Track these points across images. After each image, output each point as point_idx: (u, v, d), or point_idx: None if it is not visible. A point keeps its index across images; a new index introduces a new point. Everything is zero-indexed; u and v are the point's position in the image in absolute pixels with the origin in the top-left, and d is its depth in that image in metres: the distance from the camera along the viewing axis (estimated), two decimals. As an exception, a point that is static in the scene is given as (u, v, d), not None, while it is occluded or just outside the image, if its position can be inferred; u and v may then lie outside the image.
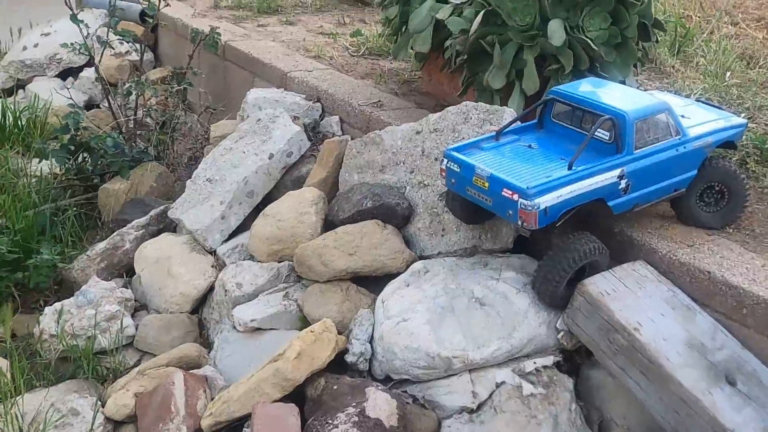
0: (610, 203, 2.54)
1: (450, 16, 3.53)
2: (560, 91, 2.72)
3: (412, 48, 3.91)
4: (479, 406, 2.58)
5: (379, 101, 4.04)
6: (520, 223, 2.40)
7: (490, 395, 2.58)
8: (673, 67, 4.68)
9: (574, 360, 2.72)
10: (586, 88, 2.74)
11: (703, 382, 2.27)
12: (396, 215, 3.16)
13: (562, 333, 2.63)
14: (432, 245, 3.09)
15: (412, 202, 3.21)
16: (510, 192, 2.40)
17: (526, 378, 2.59)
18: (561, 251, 2.53)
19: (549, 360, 2.63)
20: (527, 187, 2.36)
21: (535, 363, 2.61)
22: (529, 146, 2.68)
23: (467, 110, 3.20)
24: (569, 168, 2.44)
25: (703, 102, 3.13)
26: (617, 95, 2.66)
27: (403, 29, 4.00)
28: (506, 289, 2.69)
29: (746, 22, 5.99)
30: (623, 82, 3.44)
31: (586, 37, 3.21)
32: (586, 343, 2.56)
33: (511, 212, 2.42)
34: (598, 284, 2.52)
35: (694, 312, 2.49)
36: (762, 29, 5.88)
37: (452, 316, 2.65)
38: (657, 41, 3.67)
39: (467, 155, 2.63)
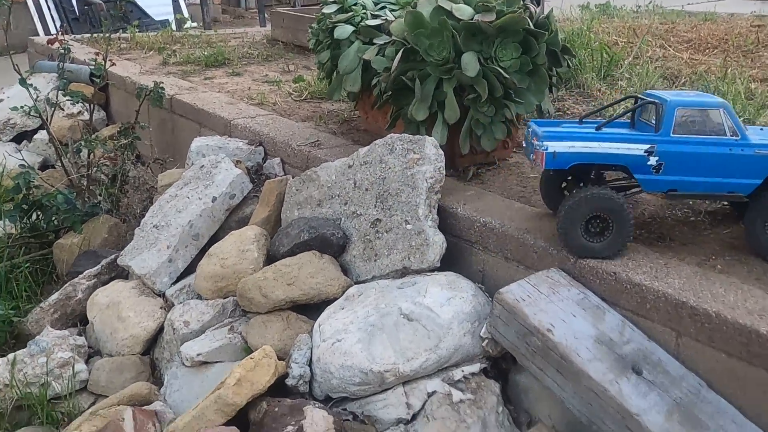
0: (637, 176, 2.71)
1: (375, 56, 3.76)
2: (645, 92, 2.94)
3: (344, 89, 4.13)
4: (414, 417, 2.73)
5: (318, 141, 4.24)
6: (533, 160, 2.76)
7: (423, 405, 2.72)
8: (599, 90, 4.94)
9: (501, 366, 2.88)
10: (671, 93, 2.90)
11: (611, 374, 2.44)
12: (332, 245, 3.33)
13: (486, 341, 2.79)
14: (366, 270, 3.26)
15: (347, 231, 3.39)
16: (534, 138, 2.75)
17: (455, 386, 2.74)
18: (571, 203, 2.71)
19: (476, 367, 2.79)
20: (543, 132, 2.71)
21: (462, 371, 2.76)
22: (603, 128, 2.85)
23: (392, 141, 3.41)
24: (596, 130, 2.73)
25: None
26: (680, 92, 2.87)
27: (335, 72, 4.22)
28: (432, 304, 2.85)
29: (675, 45, 6.33)
30: (539, 107, 3.69)
31: (499, 66, 3.43)
32: (509, 348, 2.72)
33: (533, 156, 2.77)
34: (513, 292, 2.70)
35: (603, 311, 2.67)
36: (689, 50, 6.21)
37: (382, 333, 2.80)
38: (569, 66, 3.91)
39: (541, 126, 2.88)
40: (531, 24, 3.50)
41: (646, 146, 2.67)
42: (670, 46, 6.20)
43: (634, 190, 2.91)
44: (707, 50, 6.13)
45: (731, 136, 2.66)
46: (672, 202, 3.23)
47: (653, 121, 2.75)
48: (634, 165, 2.69)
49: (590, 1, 9.00)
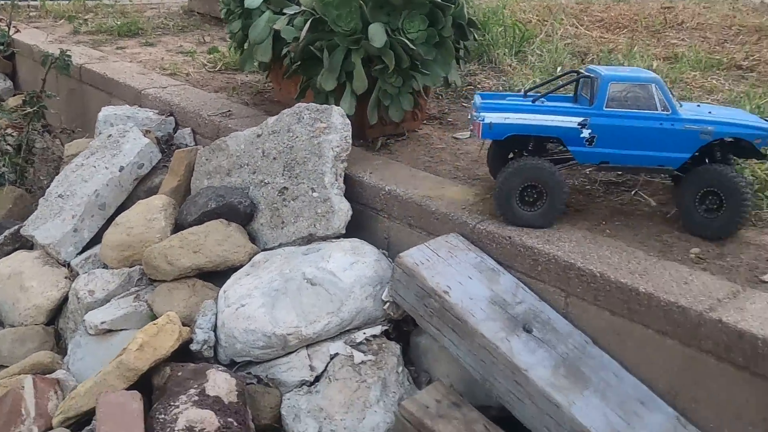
0: (570, 148, 2.78)
1: (285, 25, 3.76)
2: (587, 67, 2.98)
3: (255, 59, 4.12)
4: (317, 378, 2.79)
5: (229, 111, 4.23)
6: (471, 131, 2.88)
7: (326, 367, 2.79)
8: (510, 65, 5.06)
9: (402, 328, 2.97)
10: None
11: (503, 332, 2.55)
12: (239, 213, 3.34)
13: (387, 304, 2.87)
14: (273, 238, 3.29)
15: (255, 200, 3.40)
16: (474, 109, 2.84)
17: (357, 348, 2.81)
18: (505, 173, 2.80)
19: (377, 330, 2.86)
20: (481, 103, 2.81)
21: (364, 333, 2.84)
22: (542, 102, 2.90)
23: (300, 111, 3.43)
24: (533, 102, 2.82)
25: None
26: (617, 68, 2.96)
27: (246, 41, 4.20)
28: (334, 268, 2.90)
29: (587, 24, 6.51)
30: (446, 78, 3.77)
31: (406, 38, 3.49)
32: (409, 311, 2.80)
33: (471, 127, 2.89)
34: (413, 256, 2.78)
35: (498, 273, 2.77)
36: (600, 29, 6.40)
37: (285, 297, 2.85)
38: (475, 39, 4.00)
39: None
40: (439, -3, 3.57)
41: (580, 119, 2.73)
42: (582, 26, 6.37)
43: (572, 162, 2.94)
44: (617, 30, 6.33)
45: (662, 110, 2.70)
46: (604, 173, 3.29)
47: (587, 93, 2.84)
48: (568, 137, 2.75)
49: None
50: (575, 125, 2.73)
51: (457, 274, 2.72)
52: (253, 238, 3.34)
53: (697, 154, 2.75)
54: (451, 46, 3.65)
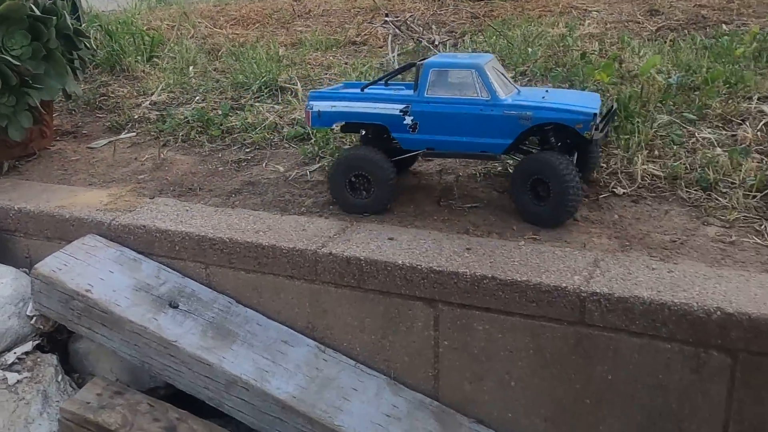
0: (395, 134, 2.75)
1: None
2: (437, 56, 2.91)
3: None
4: (-24, 411, 2.69)
5: None
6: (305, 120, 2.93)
7: (-16, 397, 2.70)
8: (143, 71, 5.13)
9: (56, 338, 2.96)
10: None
11: (149, 314, 2.68)
12: None
13: (35, 318, 2.85)
14: None
15: None
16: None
17: (10, 369, 2.76)
18: (334, 163, 2.86)
19: (29, 346, 2.83)
20: (310, 93, 2.87)
21: (15, 353, 2.79)
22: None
23: None
24: (360, 90, 2.80)
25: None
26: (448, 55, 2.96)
27: None
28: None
29: (222, 24, 6.77)
30: (65, 90, 3.76)
31: (10, 56, 3.42)
32: (57, 318, 2.81)
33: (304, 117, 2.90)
34: (49, 264, 2.79)
35: (140, 262, 2.89)
36: (234, 26, 6.70)
37: None
38: (89, 48, 4.03)
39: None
40: (37, 10, 3.55)
41: (402, 106, 2.71)
42: (216, 26, 6.63)
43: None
44: (250, 25, 6.69)
45: (482, 96, 2.64)
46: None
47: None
48: (392, 124, 2.74)
49: (148, -9, 9.08)
50: (398, 112, 2.72)
51: (98, 272, 2.79)
52: None
53: (530, 141, 2.79)
54: (61, 57, 3.65)
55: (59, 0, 3.76)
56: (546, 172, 2.58)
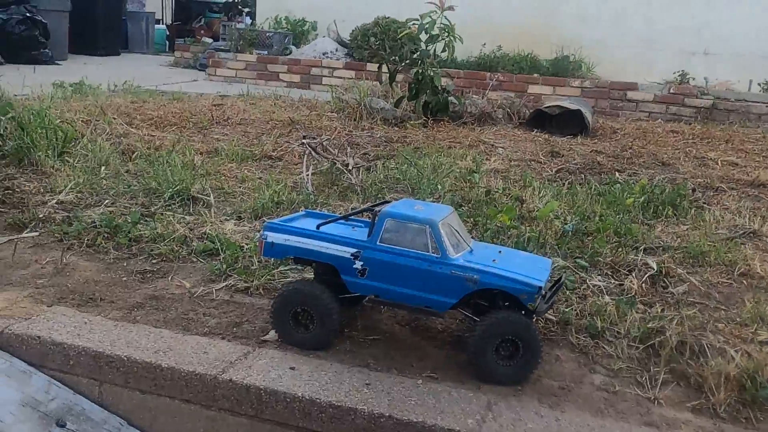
0: (343, 276, 2.75)
1: None
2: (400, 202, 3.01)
3: None
4: None
5: None
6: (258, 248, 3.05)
7: None
8: (53, 167, 5.05)
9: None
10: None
11: (35, 432, 2.58)
12: None
13: None
14: None
15: None
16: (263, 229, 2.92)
17: None
18: (277, 298, 2.88)
19: None
20: (266, 223, 2.91)
21: None
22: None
23: None
24: (316, 228, 2.84)
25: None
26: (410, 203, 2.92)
27: None
28: None
29: (139, 123, 6.78)
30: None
31: None
32: (-68, 432, 2.66)
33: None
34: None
35: (29, 374, 2.80)
36: (151, 127, 6.72)
37: None
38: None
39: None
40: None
41: (354, 250, 2.74)
42: (132, 125, 6.63)
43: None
44: (167, 127, 6.74)
45: (432, 252, 2.67)
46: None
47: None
48: (342, 266, 2.77)
49: (65, 79, 9.04)
50: (348, 255, 2.75)
51: (-17, 384, 2.68)
52: None
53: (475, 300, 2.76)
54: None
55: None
56: (520, 334, 2.62)
